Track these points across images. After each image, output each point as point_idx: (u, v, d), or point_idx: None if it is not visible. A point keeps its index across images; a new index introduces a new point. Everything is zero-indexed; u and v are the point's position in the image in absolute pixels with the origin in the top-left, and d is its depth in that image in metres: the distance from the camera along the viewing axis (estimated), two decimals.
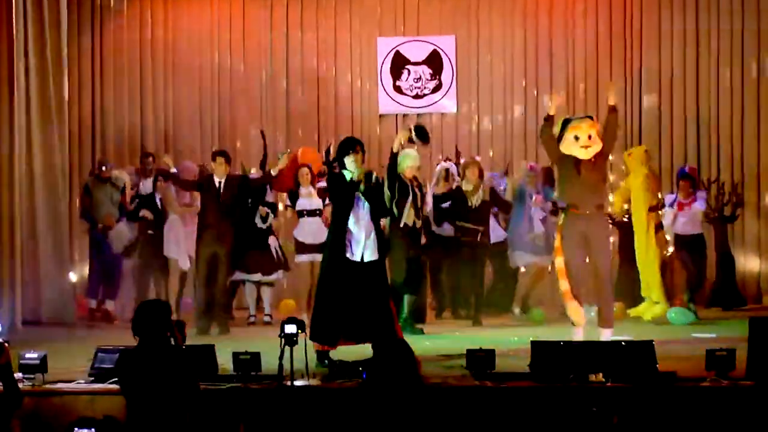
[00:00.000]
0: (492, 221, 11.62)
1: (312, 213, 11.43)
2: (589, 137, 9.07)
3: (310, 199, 11.46)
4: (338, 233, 8.31)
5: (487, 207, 11.42)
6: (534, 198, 11.55)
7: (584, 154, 9.08)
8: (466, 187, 11.34)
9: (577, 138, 9.07)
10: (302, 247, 11.43)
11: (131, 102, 13.70)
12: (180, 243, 11.69)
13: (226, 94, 13.85)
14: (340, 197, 8.40)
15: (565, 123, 9.21)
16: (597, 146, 9.10)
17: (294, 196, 11.51)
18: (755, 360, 7.22)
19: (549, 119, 9.26)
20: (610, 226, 9.51)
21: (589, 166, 9.10)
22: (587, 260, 9.18)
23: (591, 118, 9.41)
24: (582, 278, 9.15)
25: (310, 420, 6.98)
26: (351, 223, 8.27)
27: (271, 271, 11.50)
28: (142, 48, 13.75)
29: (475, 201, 11.28)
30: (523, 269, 12.02)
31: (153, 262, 11.74)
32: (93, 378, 7.59)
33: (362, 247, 8.28)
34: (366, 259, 8.29)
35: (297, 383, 7.28)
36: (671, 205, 11.37)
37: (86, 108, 13.50)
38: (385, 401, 5.03)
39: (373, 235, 8.32)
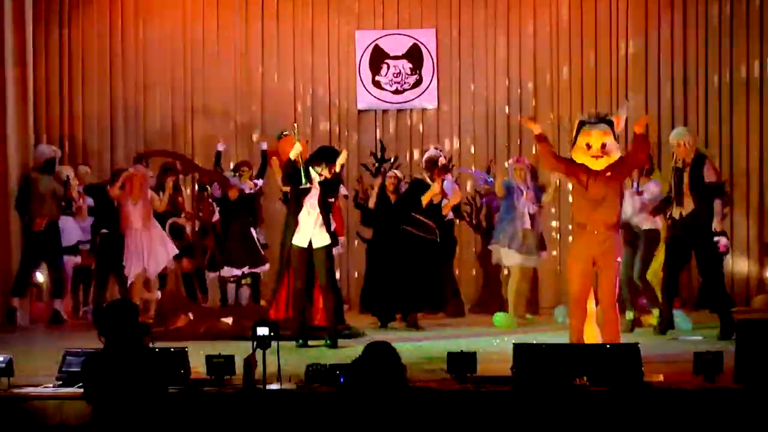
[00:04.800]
0: None
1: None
2: (603, 146, 8.10)
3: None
4: (292, 222, 9.41)
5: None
6: (525, 193, 11.07)
7: (595, 165, 8.14)
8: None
9: (588, 146, 8.15)
10: None
11: (101, 97, 13.46)
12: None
13: (199, 88, 13.60)
14: (297, 189, 9.35)
15: (580, 125, 8.29)
16: (611, 157, 8.15)
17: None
18: (743, 363, 7.08)
19: (539, 137, 8.42)
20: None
21: (600, 181, 8.16)
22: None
23: (608, 122, 8.28)
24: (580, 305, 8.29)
25: (284, 425, 6.82)
26: (303, 213, 9.26)
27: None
28: (112, 41, 13.50)
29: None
30: (506, 271, 11.78)
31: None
32: (61, 382, 7.38)
33: (310, 234, 9.25)
34: (314, 246, 9.26)
35: (270, 387, 7.09)
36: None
37: (54, 103, 13.27)
38: (369, 405, 4.97)
39: (320, 223, 9.25)
